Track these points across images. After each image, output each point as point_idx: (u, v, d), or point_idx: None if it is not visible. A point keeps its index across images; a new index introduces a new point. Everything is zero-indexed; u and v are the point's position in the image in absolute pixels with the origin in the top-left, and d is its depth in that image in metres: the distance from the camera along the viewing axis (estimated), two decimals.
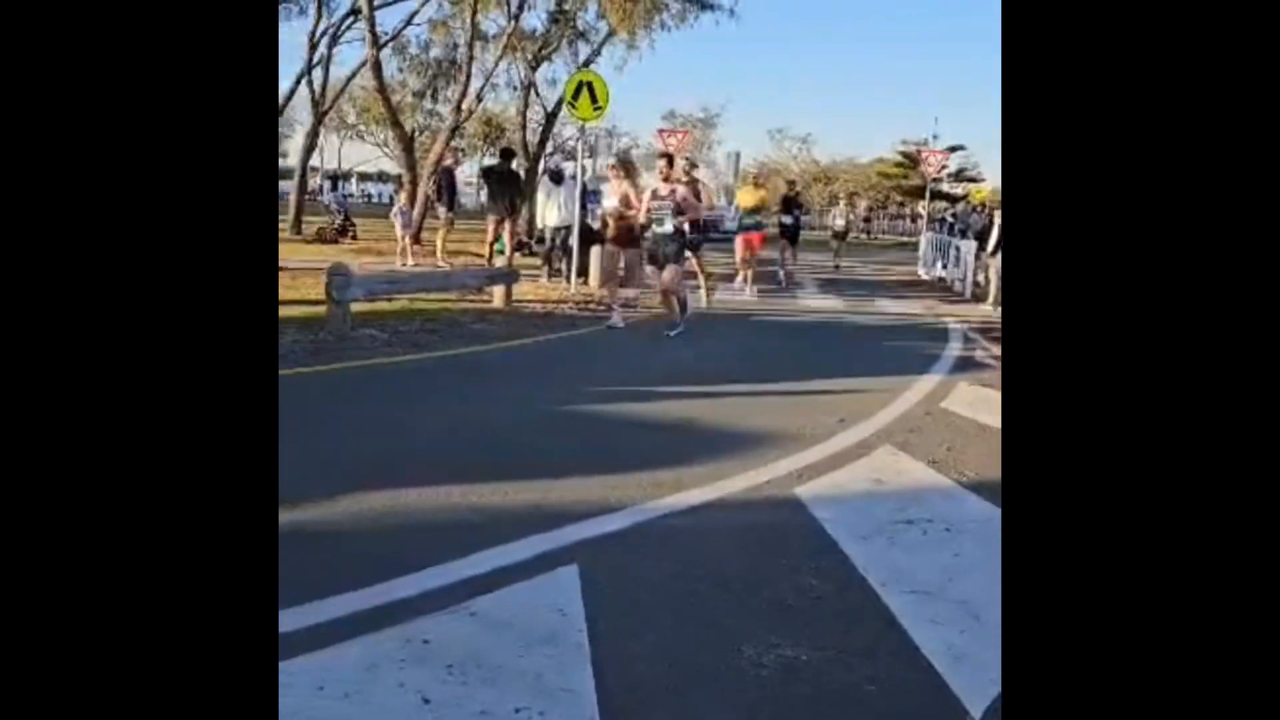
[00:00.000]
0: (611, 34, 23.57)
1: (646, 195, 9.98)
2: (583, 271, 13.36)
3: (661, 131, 23.19)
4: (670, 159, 10.57)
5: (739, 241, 15.25)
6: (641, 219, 9.91)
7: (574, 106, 13.38)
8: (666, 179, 9.87)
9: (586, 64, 24.12)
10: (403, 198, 18.25)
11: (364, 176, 58.29)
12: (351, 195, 41.79)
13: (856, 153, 61.52)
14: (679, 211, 9.58)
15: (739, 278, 15.25)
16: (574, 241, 13.42)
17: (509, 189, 14.21)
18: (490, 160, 30.53)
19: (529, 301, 11.60)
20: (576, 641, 2.73)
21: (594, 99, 13.12)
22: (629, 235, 10.39)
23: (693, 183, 11.98)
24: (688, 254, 11.37)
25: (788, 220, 17.19)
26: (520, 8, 21.94)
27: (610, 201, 10.79)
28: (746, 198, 15.70)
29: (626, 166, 11.92)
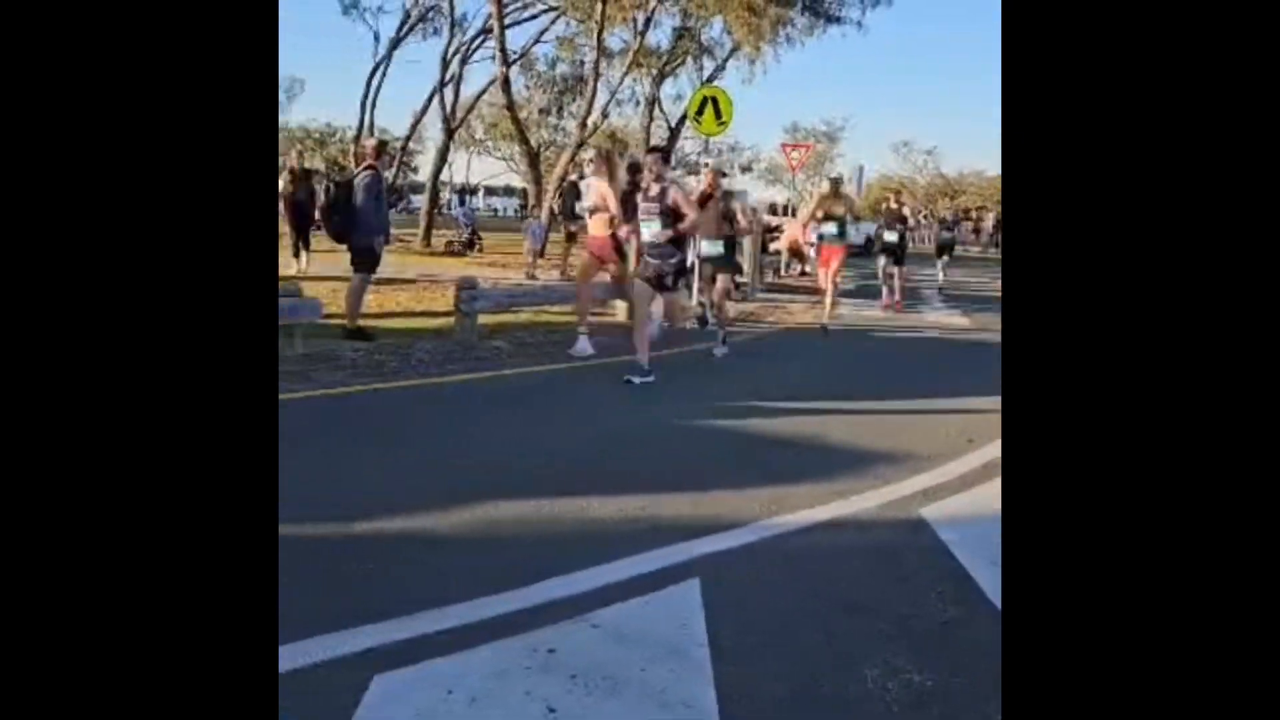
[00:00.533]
0: (736, 49, 23.62)
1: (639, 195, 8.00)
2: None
3: (785, 145, 23.12)
4: (664, 153, 8.42)
5: (819, 257, 13.47)
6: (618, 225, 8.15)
7: (698, 122, 13.45)
8: (658, 178, 7.60)
9: (710, 79, 24.23)
10: (535, 212, 18.65)
11: (490, 191, 59.63)
12: (478, 209, 42.79)
13: (985, 166, 60.00)
14: (670, 216, 7.43)
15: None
16: (695, 254, 13.45)
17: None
18: None
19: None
20: (698, 657, 2.73)
21: (718, 114, 13.15)
22: (609, 248, 8.72)
23: (720, 195, 9.35)
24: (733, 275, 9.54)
25: (892, 237, 15.21)
26: (646, 24, 22.17)
27: (586, 207, 8.88)
28: (822, 203, 12.97)
29: (611, 160, 9.13)
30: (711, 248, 9.27)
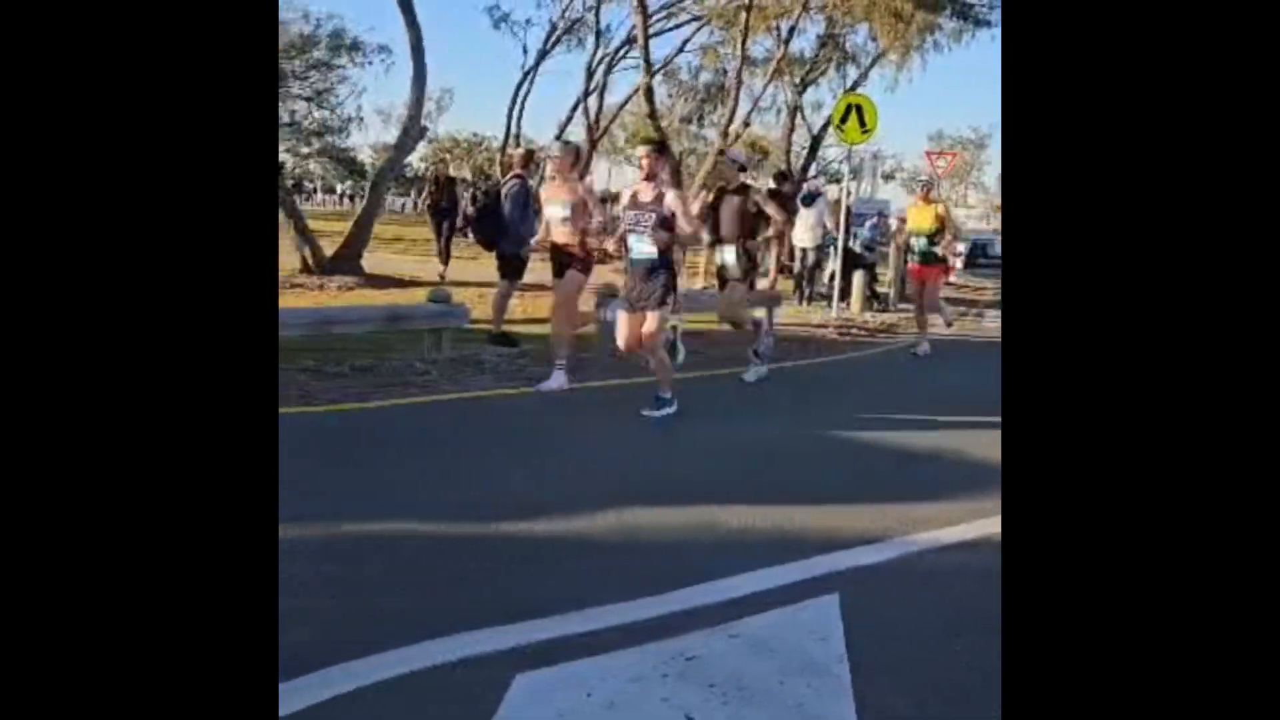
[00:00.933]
0: (881, 55, 23.28)
1: (624, 198, 6.60)
2: (844, 295, 13.25)
3: (929, 153, 22.64)
4: (660, 146, 6.63)
5: (911, 277, 11.10)
6: (604, 244, 6.57)
7: (842, 130, 13.30)
8: (650, 177, 6.22)
9: (854, 87, 23.93)
10: None
11: None
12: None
13: None
14: (666, 227, 6.07)
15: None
16: (836, 265, 13.34)
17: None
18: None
19: (790, 325, 11.59)
20: (837, 673, 2.70)
21: (862, 122, 12.97)
22: (573, 259, 7.32)
23: (741, 190, 7.66)
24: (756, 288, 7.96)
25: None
26: (790, 32, 22.07)
27: (555, 210, 7.22)
28: (917, 218, 10.53)
29: (578, 153, 7.67)
30: (726, 255, 7.73)
